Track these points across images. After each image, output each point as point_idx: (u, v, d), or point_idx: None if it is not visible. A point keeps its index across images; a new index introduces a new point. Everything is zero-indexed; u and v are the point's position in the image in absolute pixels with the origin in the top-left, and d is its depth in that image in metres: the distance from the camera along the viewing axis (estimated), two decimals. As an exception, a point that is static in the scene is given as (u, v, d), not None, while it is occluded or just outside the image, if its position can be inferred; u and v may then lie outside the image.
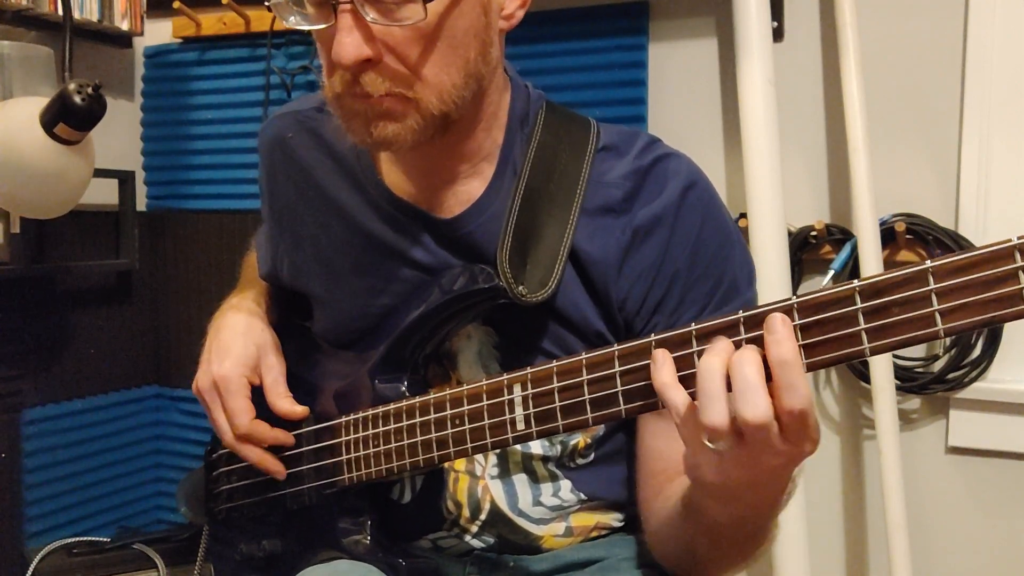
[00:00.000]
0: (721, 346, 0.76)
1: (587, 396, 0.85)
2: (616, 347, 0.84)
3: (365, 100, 0.93)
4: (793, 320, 0.74)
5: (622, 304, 1.03)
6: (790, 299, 0.74)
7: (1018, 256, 0.63)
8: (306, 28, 0.95)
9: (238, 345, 1.15)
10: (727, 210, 1.08)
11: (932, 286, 0.67)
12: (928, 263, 0.67)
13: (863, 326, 0.71)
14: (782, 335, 0.72)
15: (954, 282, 0.66)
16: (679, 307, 1.02)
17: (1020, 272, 0.63)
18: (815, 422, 0.75)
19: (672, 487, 0.98)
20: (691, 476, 0.83)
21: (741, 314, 0.76)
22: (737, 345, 0.76)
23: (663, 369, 0.78)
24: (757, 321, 0.75)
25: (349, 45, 0.89)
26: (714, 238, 1.04)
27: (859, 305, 0.71)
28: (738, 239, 1.07)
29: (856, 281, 0.71)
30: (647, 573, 1.06)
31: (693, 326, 0.79)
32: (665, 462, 1.02)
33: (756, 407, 0.72)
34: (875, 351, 0.71)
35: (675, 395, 0.78)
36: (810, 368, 0.72)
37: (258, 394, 1.14)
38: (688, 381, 0.78)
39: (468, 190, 1.06)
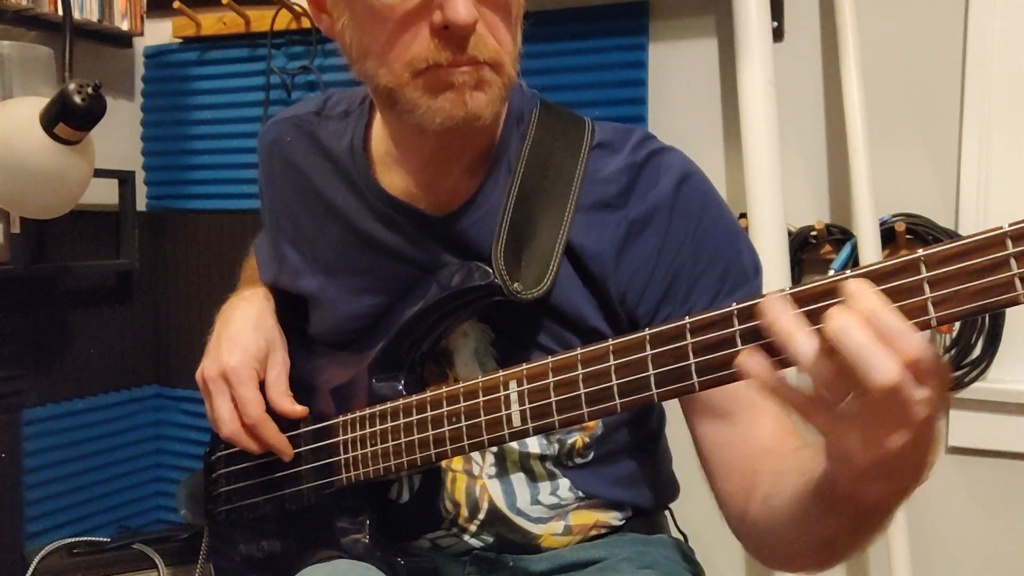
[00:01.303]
0: (778, 303, 0.70)
1: (583, 391, 0.85)
2: (611, 342, 0.83)
3: (469, 66, 0.92)
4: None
5: (622, 297, 1.03)
6: (782, 290, 0.73)
7: (1009, 243, 0.63)
8: None
9: (249, 337, 1.14)
10: (724, 201, 1.08)
11: (924, 275, 0.67)
12: (920, 252, 0.67)
13: (855, 317, 0.70)
14: (860, 290, 0.66)
15: (946, 270, 0.66)
16: (688, 298, 1.02)
17: (1012, 259, 0.63)
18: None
19: (768, 475, 0.92)
20: (840, 462, 0.74)
21: (735, 306, 0.75)
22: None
23: (815, 342, 0.68)
24: (752, 313, 0.73)
25: (466, 5, 0.89)
26: (716, 227, 1.04)
27: (851, 296, 0.70)
28: (740, 228, 1.07)
29: (848, 271, 0.70)
30: (648, 574, 1.06)
31: (687, 319, 0.78)
32: (741, 451, 0.98)
33: (885, 367, 0.63)
34: (868, 342, 0.69)
35: (805, 344, 0.68)
36: None
37: (260, 390, 1.14)
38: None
39: (462, 187, 1.06)
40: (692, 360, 0.78)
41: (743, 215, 1.85)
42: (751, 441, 0.99)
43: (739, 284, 1.03)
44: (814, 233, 1.88)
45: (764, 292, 0.75)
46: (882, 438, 0.69)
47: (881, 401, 0.66)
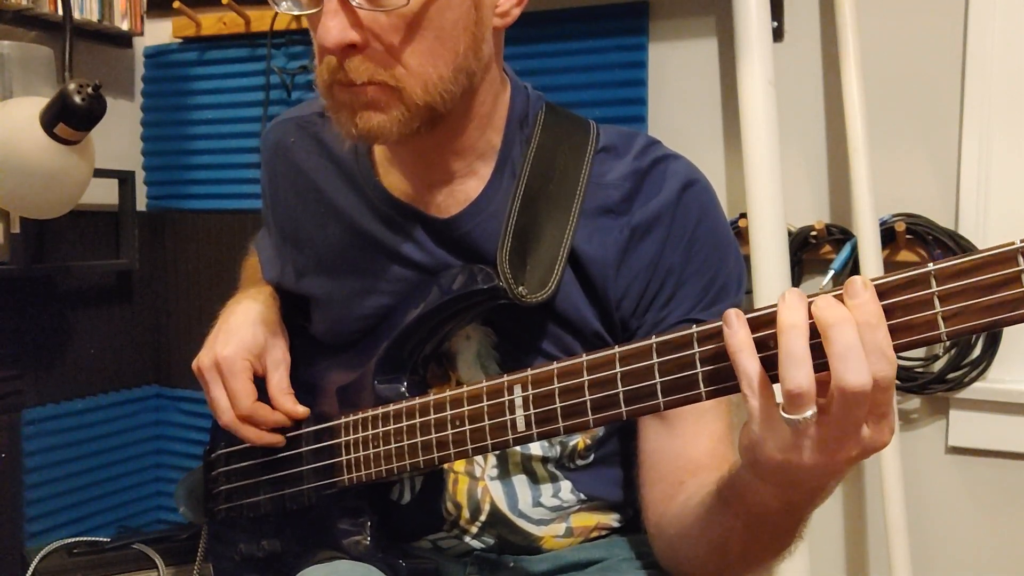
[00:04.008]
0: (796, 301, 0.70)
1: (588, 397, 0.85)
2: (617, 349, 0.83)
3: (350, 89, 0.93)
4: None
5: (619, 302, 1.03)
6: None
7: (1021, 259, 0.63)
8: (296, 12, 0.95)
9: (246, 331, 1.14)
10: (724, 213, 1.09)
11: (935, 289, 0.67)
12: (931, 266, 0.67)
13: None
14: (862, 296, 0.68)
15: (957, 285, 0.66)
16: (669, 302, 1.03)
17: (1023, 276, 0.63)
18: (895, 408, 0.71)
19: (693, 486, 0.96)
20: (749, 455, 0.77)
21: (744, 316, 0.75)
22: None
23: (739, 333, 0.72)
24: (765, 322, 0.73)
25: (334, 28, 0.89)
26: (709, 237, 1.04)
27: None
28: (733, 242, 1.07)
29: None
30: (648, 574, 1.06)
31: (695, 328, 0.78)
32: (674, 462, 1.01)
33: (860, 373, 0.66)
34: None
35: (749, 361, 0.72)
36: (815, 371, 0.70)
37: (259, 388, 1.14)
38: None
39: (465, 190, 1.06)
40: (699, 369, 0.78)
41: (743, 215, 1.85)
42: (686, 455, 1.00)
43: (719, 299, 1.04)
44: (814, 233, 1.88)
45: (760, 301, 0.76)
46: (803, 449, 0.72)
47: (838, 407, 0.68)
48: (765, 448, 0.74)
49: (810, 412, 0.69)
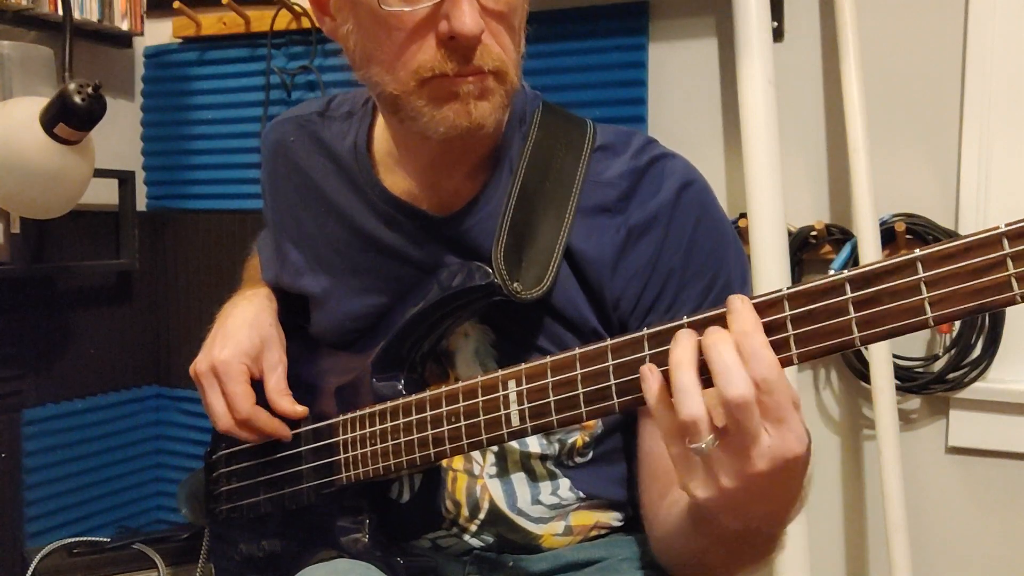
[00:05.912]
0: (686, 339, 0.75)
1: (581, 390, 0.85)
2: (609, 341, 0.83)
3: (474, 76, 0.93)
4: (784, 311, 0.73)
5: (616, 304, 1.03)
6: (780, 290, 0.74)
7: (1006, 243, 0.63)
8: (409, 9, 0.92)
9: (242, 334, 1.15)
10: (723, 210, 1.08)
11: (921, 275, 0.67)
12: (917, 251, 0.67)
13: (853, 316, 0.70)
14: (740, 310, 0.73)
15: (943, 270, 0.66)
16: (673, 305, 1.02)
17: (1008, 259, 0.63)
18: (798, 414, 0.73)
19: (678, 492, 0.96)
20: (689, 496, 0.80)
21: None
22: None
23: (654, 386, 0.76)
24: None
25: (473, 16, 0.90)
26: (709, 237, 1.04)
27: (849, 295, 0.71)
28: (733, 238, 1.07)
29: (846, 271, 0.71)
30: (648, 574, 1.06)
31: (685, 319, 0.78)
32: (668, 462, 1.01)
33: (738, 385, 0.70)
34: (865, 341, 0.70)
35: (663, 410, 0.76)
36: (802, 359, 0.71)
37: (257, 389, 1.14)
38: None
39: (464, 189, 1.06)
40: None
41: (743, 215, 1.85)
42: None
43: (724, 296, 1.03)
44: (814, 233, 1.88)
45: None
46: (719, 478, 0.74)
47: (730, 421, 0.71)
48: (691, 490, 0.77)
49: (711, 437, 0.72)
